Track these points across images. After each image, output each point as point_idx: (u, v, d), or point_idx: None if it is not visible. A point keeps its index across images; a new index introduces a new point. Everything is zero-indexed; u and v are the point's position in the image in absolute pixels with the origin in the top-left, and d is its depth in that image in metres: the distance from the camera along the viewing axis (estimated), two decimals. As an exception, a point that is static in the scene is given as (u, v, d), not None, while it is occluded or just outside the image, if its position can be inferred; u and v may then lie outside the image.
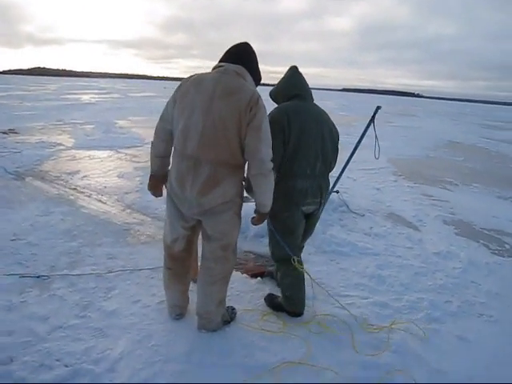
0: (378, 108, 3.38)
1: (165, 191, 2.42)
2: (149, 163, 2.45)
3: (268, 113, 2.28)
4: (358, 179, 7.04)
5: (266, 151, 2.11)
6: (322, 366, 2.23)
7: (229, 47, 2.26)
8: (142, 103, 22.23)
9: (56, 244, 3.63)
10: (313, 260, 3.55)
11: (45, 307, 2.65)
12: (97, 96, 25.82)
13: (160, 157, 2.35)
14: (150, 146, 2.39)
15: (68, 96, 24.18)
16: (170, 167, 2.32)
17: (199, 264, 2.46)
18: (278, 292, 2.90)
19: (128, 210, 4.72)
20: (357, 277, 3.36)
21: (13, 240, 3.65)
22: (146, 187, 2.46)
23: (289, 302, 2.72)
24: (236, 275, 3.19)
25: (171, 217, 2.35)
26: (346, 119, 19.64)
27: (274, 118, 2.48)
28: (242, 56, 2.20)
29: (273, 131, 2.27)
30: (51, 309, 2.63)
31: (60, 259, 3.34)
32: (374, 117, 3.26)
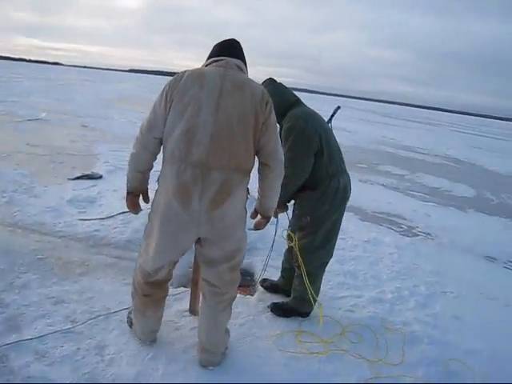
0: (338, 108, 3.45)
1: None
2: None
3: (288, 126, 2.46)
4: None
5: (282, 152, 2.01)
6: (407, 374, 2.24)
7: (219, 42, 2.03)
8: None
9: (-45, 297, 2.47)
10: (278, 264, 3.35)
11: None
12: None
13: (143, 172, 2.05)
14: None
15: None
16: (161, 182, 1.92)
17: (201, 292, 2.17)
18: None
19: (19, 230, 3.56)
20: (332, 275, 3.38)
21: None
22: (126, 205, 2.17)
23: (307, 303, 2.66)
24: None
25: (159, 243, 1.95)
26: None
27: (303, 130, 2.47)
28: (238, 50, 2.01)
29: (307, 143, 2.44)
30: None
31: (-17, 319, 2.29)
32: (332, 116, 3.29)
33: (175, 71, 2.50)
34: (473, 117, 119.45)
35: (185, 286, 3.00)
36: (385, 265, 3.78)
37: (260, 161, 1.97)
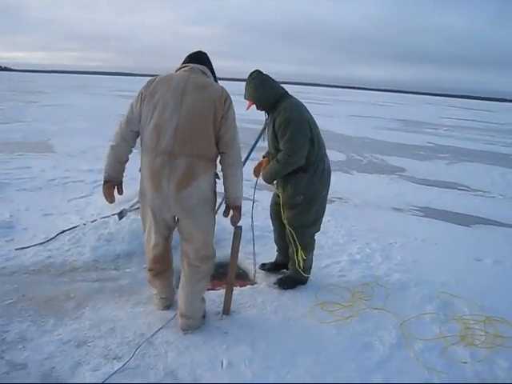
0: None
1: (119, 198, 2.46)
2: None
3: (286, 117, 2.69)
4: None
5: (239, 142, 2.28)
6: (425, 312, 2.73)
7: (189, 54, 2.41)
8: None
9: None
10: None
11: None
12: None
13: (121, 162, 2.34)
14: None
15: None
16: (141, 170, 2.27)
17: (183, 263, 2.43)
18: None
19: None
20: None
21: None
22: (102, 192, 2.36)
23: (308, 272, 3.04)
24: (246, 290, 2.95)
25: (149, 225, 2.38)
26: None
27: (299, 121, 2.73)
28: (203, 59, 2.39)
29: (304, 133, 2.72)
30: None
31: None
32: None
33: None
34: (289, 85, 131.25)
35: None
36: (333, 231, 4.24)
37: (220, 151, 2.23)
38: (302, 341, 2.39)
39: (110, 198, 2.35)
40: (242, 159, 2.35)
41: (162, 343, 2.31)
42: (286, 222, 2.91)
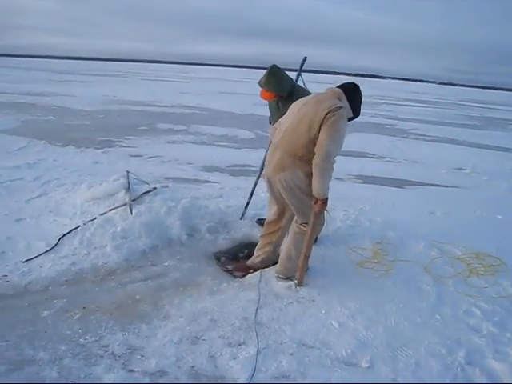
0: (305, 59, 3.80)
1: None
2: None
3: None
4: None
5: (333, 149, 2.54)
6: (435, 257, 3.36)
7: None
8: None
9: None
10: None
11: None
12: None
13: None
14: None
15: None
16: None
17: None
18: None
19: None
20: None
21: None
22: None
23: None
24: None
25: (269, 194, 3.00)
26: None
27: None
28: (347, 87, 2.73)
29: None
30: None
31: None
32: (302, 66, 3.64)
33: None
34: (131, 63, 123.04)
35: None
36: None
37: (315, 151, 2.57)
38: (374, 294, 2.77)
39: None
40: (326, 165, 2.54)
41: (269, 321, 2.46)
42: None
